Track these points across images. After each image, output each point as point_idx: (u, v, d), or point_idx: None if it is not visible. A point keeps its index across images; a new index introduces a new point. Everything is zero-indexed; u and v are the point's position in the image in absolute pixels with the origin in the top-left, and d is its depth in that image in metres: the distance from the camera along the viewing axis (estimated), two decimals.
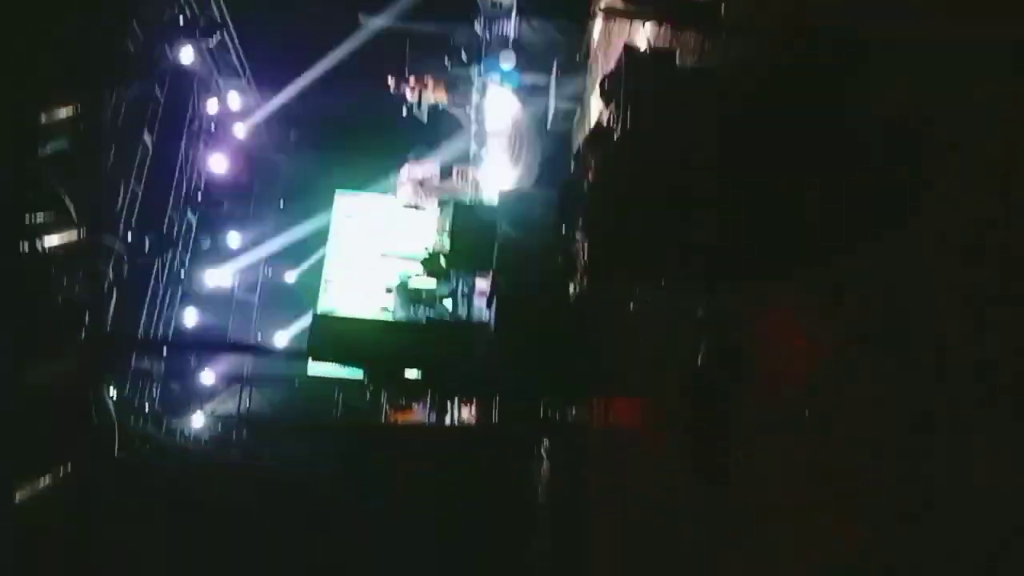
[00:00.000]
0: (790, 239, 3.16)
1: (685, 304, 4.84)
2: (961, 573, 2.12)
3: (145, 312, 11.71)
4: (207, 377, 13.15)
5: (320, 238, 14.46)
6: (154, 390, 11.02)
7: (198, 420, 13.59)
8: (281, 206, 14.76)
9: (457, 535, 8.11)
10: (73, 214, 2.36)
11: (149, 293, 11.41)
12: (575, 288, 4.48)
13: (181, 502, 13.85)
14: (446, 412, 10.96)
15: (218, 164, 12.85)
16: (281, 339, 15.53)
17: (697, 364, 4.48)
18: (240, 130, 13.62)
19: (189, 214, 12.44)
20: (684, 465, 4.66)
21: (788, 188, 3.43)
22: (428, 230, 11.59)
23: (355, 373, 12.79)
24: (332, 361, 9.41)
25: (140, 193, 9.39)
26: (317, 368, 13.27)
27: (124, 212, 8.81)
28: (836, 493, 2.93)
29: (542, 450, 9.56)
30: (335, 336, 9.18)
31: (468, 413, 10.06)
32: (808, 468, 3.18)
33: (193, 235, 12.83)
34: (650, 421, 5.57)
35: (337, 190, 15.06)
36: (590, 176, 4.27)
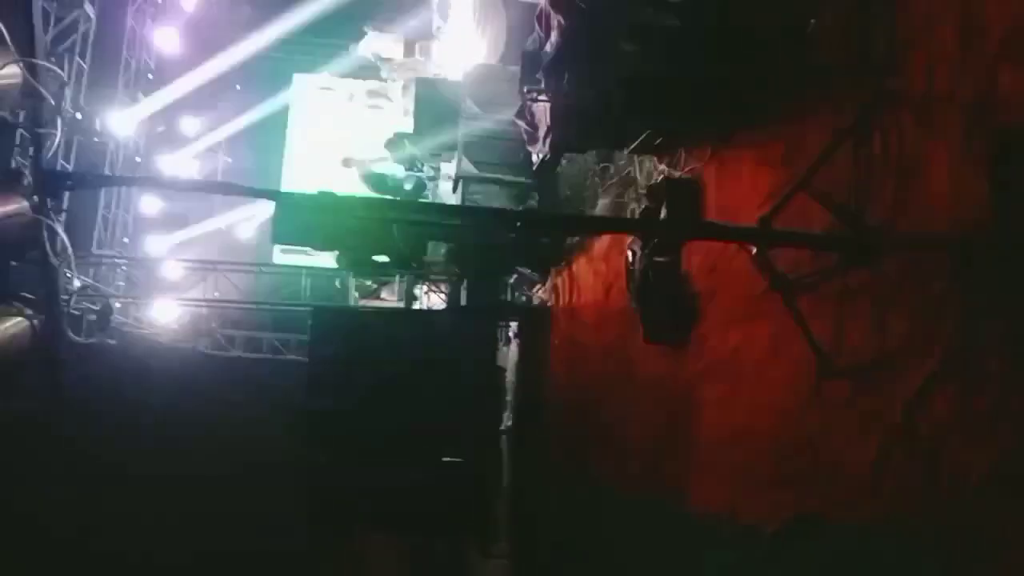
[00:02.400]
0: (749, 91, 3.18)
1: (645, 169, 4.89)
2: None
3: (102, 200, 11.44)
4: (173, 268, 13.04)
5: (280, 122, 14.01)
6: (119, 277, 10.90)
7: (166, 309, 13.57)
8: (237, 88, 14.18)
9: (430, 410, 8.39)
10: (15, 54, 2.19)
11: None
12: (538, 156, 4.46)
13: (149, 387, 14.04)
14: (415, 299, 11.08)
15: (168, 41, 12.18)
16: (246, 229, 15.35)
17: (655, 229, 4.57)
18: (189, 3, 12.85)
19: (141, 96, 11.91)
20: (639, 327, 4.84)
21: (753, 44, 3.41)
22: (391, 123, 11.30)
23: (322, 261, 12.79)
24: (299, 243, 9.34)
25: (86, 70, 8.92)
26: (283, 256, 13.23)
27: (71, 89, 8.41)
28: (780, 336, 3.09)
29: (510, 333, 9.81)
30: (302, 217, 9.09)
31: (439, 300, 10.18)
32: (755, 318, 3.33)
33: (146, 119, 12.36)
34: (608, 290, 5.72)
35: (295, 72, 14.47)
36: (553, 36, 4.17)
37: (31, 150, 2.22)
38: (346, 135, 12.47)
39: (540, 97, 3.99)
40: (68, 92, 8.13)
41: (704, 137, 4.04)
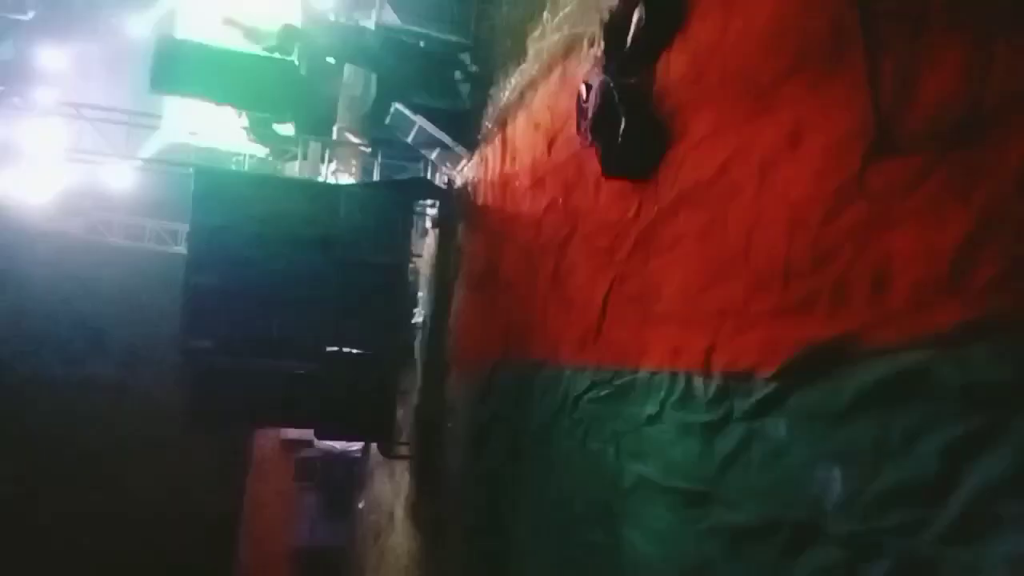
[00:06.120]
0: None
1: None
2: None
3: None
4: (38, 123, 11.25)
5: None
6: None
7: (32, 182, 11.83)
8: None
9: (330, 295, 7.41)
10: None
11: None
12: None
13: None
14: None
15: None
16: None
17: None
18: None
19: None
20: (591, 173, 4.04)
21: None
22: None
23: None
24: (182, 91, 8.00)
25: None
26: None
27: None
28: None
29: (427, 223, 8.85)
30: (186, 63, 7.72)
31: (349, 179, 9.04)
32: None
33: None
34: (552, 141, 4.86)
35: None
36: None
37: None
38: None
39: None
40: None
41: None
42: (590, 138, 3.80)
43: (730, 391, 2.48)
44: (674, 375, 2.84)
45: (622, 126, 3.44)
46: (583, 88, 4.05)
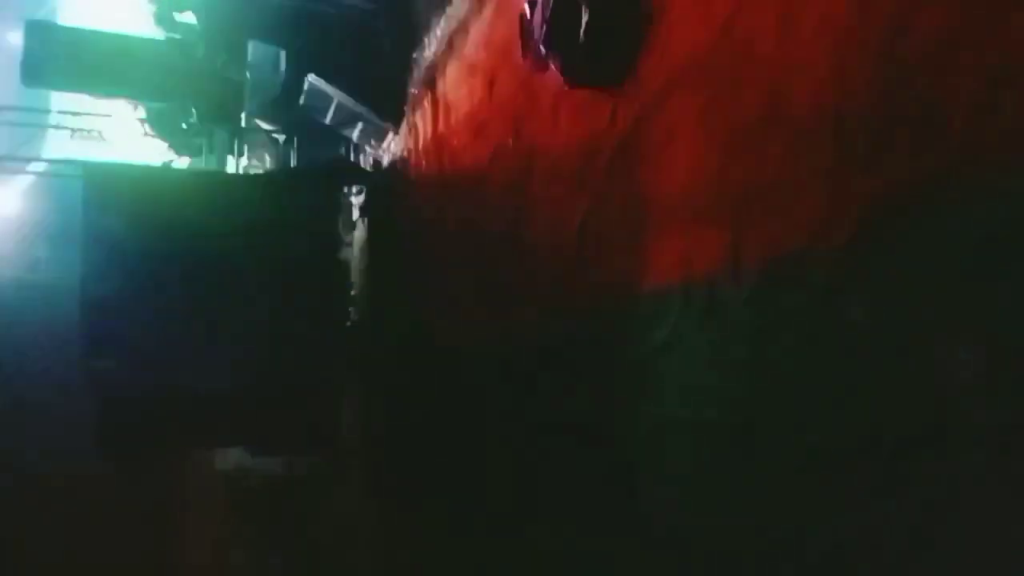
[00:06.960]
0: None
1: None
2: None
3: None
4: None
5: None
6: None
7: None
8: None
9: (251, 300, 6.64)
10: None
11: None
12: None
13: None
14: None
15: None
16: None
17: None
18: None
19: None
20: (546, 93, 3.52)
21: None
22: None
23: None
24: (60, 86, 7.07)
25: None
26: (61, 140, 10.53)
27: None
28: None
29: (354, 216, 8.16)
30: (65, 51, 6.82)
31: (267, 162, 8.24)
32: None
33: None
34: (492, 82, 4.32)
35: None
36: None
37: None
38: None
39: None
40: None
41: None
42: (545, 51, 3.28)
43: (774, 284, 1.97)
44: (688, 287, 2.32)
45: (584, 21, 2.93)
46: (527, 7, 3.53)
